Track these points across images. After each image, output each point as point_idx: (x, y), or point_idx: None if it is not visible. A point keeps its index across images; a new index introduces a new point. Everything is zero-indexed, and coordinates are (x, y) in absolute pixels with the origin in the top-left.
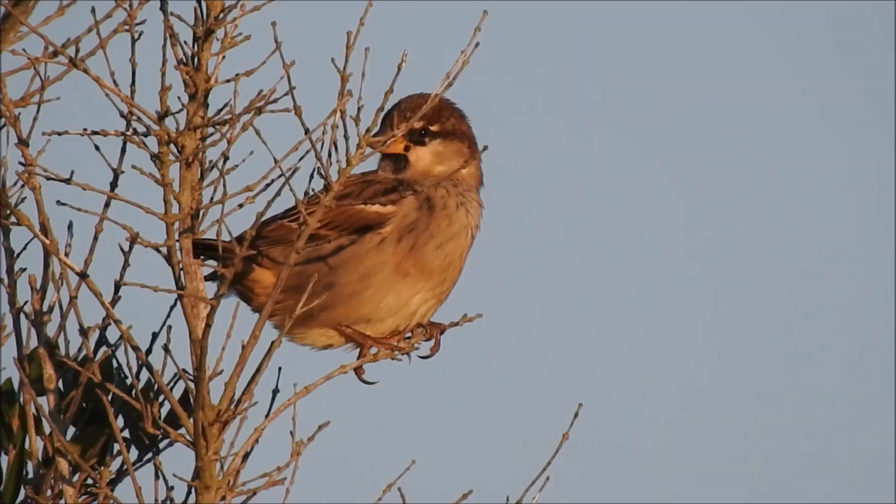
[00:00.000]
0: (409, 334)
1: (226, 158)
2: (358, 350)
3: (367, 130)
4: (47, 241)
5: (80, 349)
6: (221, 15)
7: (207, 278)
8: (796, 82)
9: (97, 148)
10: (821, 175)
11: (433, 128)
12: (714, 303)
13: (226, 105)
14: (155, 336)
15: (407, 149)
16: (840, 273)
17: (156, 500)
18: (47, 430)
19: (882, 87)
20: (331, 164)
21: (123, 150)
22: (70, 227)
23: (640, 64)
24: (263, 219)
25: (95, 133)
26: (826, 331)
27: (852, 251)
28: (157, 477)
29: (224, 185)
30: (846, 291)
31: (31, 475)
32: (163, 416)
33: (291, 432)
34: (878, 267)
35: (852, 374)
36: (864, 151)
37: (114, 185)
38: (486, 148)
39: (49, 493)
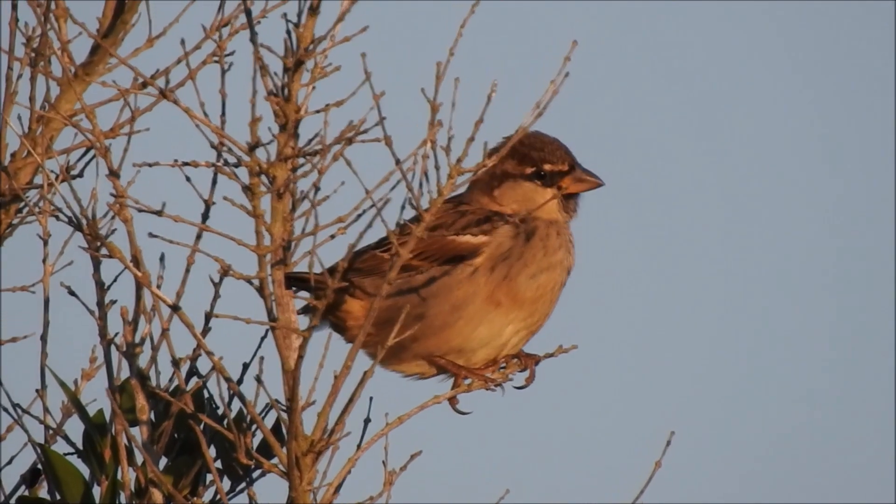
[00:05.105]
0: (503, 365)
1: (317, 189)
2: (452, 380)
3: (458, 160)
4: (139, 274)
5: (171, 380)
6: (311, 46)
7: (300, 311)
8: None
9: (188, 179)
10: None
11: None
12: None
13: (316, 135)
14: (246, 366)
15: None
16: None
17: None
18: (138, 460)
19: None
20: (422, 194)
21: (214, 182)
22: (162, 259)
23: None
24: (355, 249)
25: (186, 164)
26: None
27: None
28: None
29: (316, 217)
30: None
31: None
32: (255, 447)
33: (384, 461)
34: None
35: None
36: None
37: (205, 216)
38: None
39: None
